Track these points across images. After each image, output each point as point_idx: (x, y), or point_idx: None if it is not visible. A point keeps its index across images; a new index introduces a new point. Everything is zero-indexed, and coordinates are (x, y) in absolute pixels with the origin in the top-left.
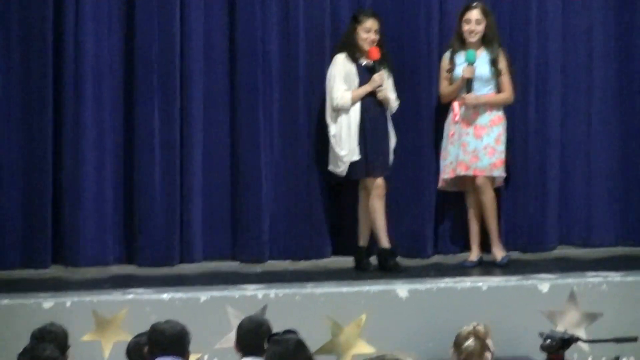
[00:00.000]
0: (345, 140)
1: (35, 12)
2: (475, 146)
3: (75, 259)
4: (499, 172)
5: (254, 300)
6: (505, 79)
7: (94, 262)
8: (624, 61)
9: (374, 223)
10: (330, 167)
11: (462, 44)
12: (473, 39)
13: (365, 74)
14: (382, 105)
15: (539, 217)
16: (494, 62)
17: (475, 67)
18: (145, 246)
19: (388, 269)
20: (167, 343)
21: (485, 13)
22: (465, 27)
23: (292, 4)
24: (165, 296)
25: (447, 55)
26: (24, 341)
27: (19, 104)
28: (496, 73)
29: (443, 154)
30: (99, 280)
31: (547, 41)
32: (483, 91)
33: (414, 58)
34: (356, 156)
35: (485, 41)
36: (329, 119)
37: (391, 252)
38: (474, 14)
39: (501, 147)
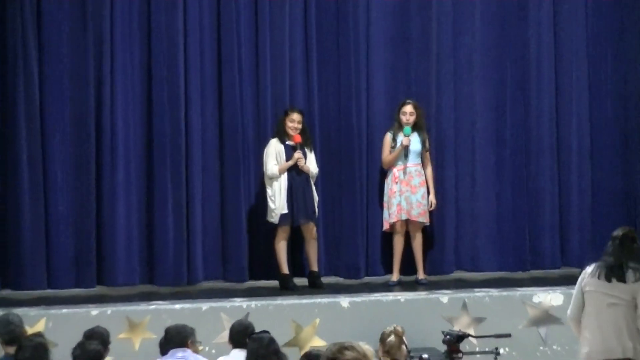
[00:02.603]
0: (277, 199)
1: (82, 105)
2: (411, 200)
3: (112, 281)
4: (423, 220)
5: (240, 309)
6: (427, 155)
7: (125, 283)
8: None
9: (308, 253)
10: (268, 217)
11: (400, 127)
12: (409, 124)
13: (290, 152)
14: (305, 173)
15: (440, 250)
16: (423, 142)
17: (410, 139)
18: (162, 271)
19: (315, 286)
20: (175, 338)
21: (415, 107)
22: (402, 117)
23: (262, 99)
24: (177, 306)
25: (389, 135)
26: (77, 339)
27: (72, 169)
28: (423, 149)
29: (387, 205)
30: (130, 295)
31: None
32: (415, 161)
33: (348, 138)
34: (285, 210)
35: (417, 127)
36: (266, 185)
37: (317, 275)
38: (408, 109)
39: (424, 202)
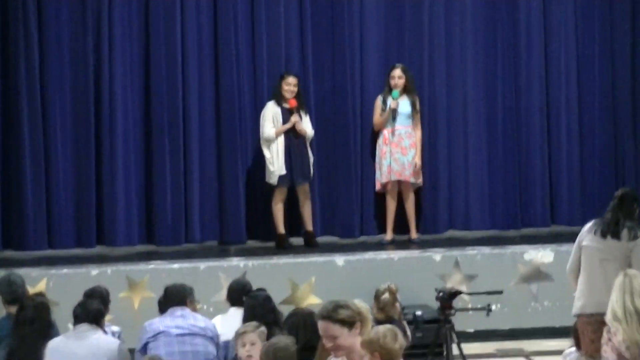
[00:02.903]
0: (275, 161)
1: (81, 69)
2: (402, 161)
3: (112, 240)
4: (414, 180)
5: (237, 268)
6: (417, 117)
7: (125, 243)
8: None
9: (303, 213)
10: (266, 179)
11: (390, 90)
12: (398, 88)
13: (287, 115)
14: (301, 136)
15: (433, 210)
16: (413, 104)
17: (399, 102)
18: (161, 231)
19: (310, 245)
20: (174, 297)
21: (404, 71)
22: (391, 81)
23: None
24: (176, 266)
25: (380, 98)
26: (78, 298)
27: (72, 134)
28: (413, 112)
29: (378, 166)
30: (129, 255)
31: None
32: (405, 123)
33: (344, 102)
34: (283, 171)
35: (407, 90)
36: (263, 147)
37: (312, 234)
38: (397, 72)
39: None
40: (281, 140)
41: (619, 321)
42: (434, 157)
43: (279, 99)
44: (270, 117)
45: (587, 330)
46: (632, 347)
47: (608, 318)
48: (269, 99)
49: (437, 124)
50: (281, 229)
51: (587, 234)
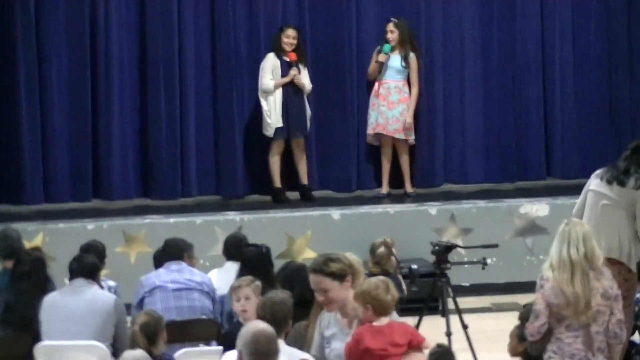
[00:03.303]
0: (272, 113)
1: (77, 27)
2: (387, 115)
3: (108, 194)
4: (400, 136)
5: (234, 223)
6: (413, 73)
7: (121, 196)
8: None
9: (298, 167)
10: (263, 131)
11: (386, 43)
12: (391, 42)
13: (286, 67)
14: (299, 89)
15: (429, 163)
16: (405, 59)
17: (389, 56)
18: (157, 185)
19: (306, 199)
20: (172, 250)
21: (396, 26)
22: (386, 35)
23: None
24: (172, 220)
25: (377, 49)
26: (74, 252)
27: (68, 88)
28: (406, 66)
29: (368, 117)
30: (125, 209)
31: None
32: (396, 77)
33: (341, 55)
34: (280, 124)
35: (400, 44)
36: (261, 99)
37: (308, 188)
38: (389, 26)
39: (403, 119)
40: (279, 92)
41: (552, 269)
42: (431, 111)
43: (279, 52)
44: (270, 69)
45: None
46: (559, 296)
47: (545, 266)
48: (269, 51)
49: (434, 78)
50: (278, 182)
51: (594, 179)
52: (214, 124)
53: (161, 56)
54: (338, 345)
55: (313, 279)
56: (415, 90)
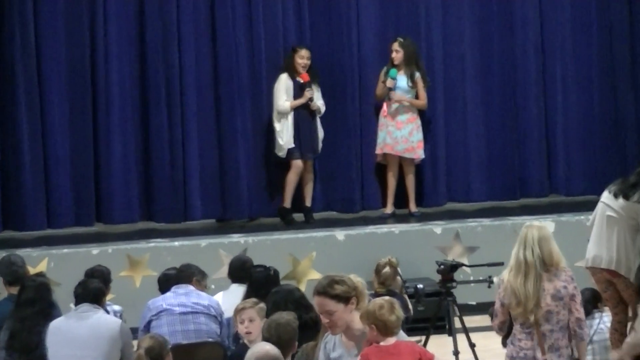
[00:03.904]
0: (285, 134)
1: (77, 49)
2: (395, 135)
3: (112, 218)
4: (410, 155)
5: (238, 245)
6: (421, 92)
7: (124, 220)
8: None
9: (304, 188)
10: (276, 152)
11: (392, 64)
12: (396, 61)
13: (299, 88)
14: (311, 110)
15: (432, 182)
16: (411, 78)
17: (396, 80)
18: (161, 208)
19: (306, 221)
20: (182, 275)
21: (401, 45)
22: (392, 54)
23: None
24: (177, 243)
25: (383, 70)
26: (79, 277)
27: (69, 112)
28: (412, 86)
29: (377, 138)
30: (129, 233)
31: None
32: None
33: (343, 76)
34: (292, 144)
35: (406, 63)
36: (274, 120)
37: (310, 210)
38: (394, 46)
39: (412, 138)
40: (290, 114)
41: (510, 270)
42: (432, 130)
43: (292, 72)
44: (284, 90)
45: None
46: (511, 296)
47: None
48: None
49: (435, 96)
50: (288, 203)
51: (605, 191)
52: (217, 145)
53: (161, 77)
54: None
55: (317, 301)
56: (422, 103)
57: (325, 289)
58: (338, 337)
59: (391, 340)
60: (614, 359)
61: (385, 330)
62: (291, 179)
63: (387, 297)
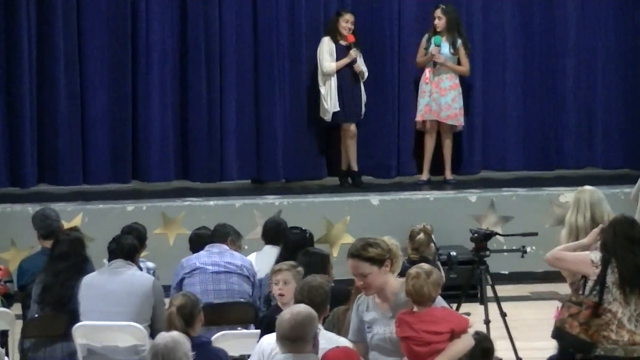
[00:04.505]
0: (329, 98)
1: (118, 6)
2: (440, 102)
3: (147, 176)
4: (452, 122)
5: (273, 206)
6: (463, 59)
7: (161, 178)
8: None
9: (346, 154)
10: (321, 115)
11: (434, 31)
12: (438, 28)
13: (342, 51)
14: (355, 74)
15: (468, 150)
16: (453, 45)
17: (440, 47)
18: (197, 167)
19: (355, 185)
20: (217, 234)
21: (444, 12)
22: (434, 21)
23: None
24: (211, 203)
25: (425, 37)
26: (113, 233)
27: (108, 70)
28: (454, 53)
29: (418, 103)
30: (165, 191)
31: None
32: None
33: (382, 41)
34: (337, 108)
35: (448, 30)
36: (319, 83)
37: (358, 174)
38: (437, 13)
39: (455, 105)
40: (334, 77)
41: (564, 235)
42: (470, 98)
43: (335, 36)
44: (328, 52)
45: None
46: None
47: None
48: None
49: (474, 64)
50: (354, 165)
51: None
52: (254, 106)
53: (201, 37)
54: (381, 330)
55: (351, 263)
56: (465, 69)
57: (359, 252)
58: (371, 299)
59: (425, 307)
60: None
61: (420, 299)
62: (348, 144)
63: (425, 265)
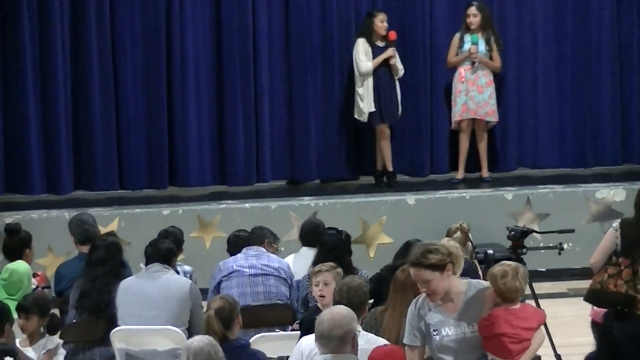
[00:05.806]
0: (366, 98)
1: (152, 11)
2: (478, 99)
3: (184, 181)
4: (491, 119)
5: (308, 208)
6: (495, 55)
7: (197, 183)
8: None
9: (382, 155)
10: (356, 116)
11: (467, 29)
12: (473, 26)
13: (378, 52)
14: (391, 73)
15: (503, 147)
16: (487, 42)
17: (477, 45)
18: (233, 171)
19: (390, 185)
20: (254, 236)
21: (479, 9)
22: (467, 19)
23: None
24: (247, 205)
25: (457, 36)
26: (150, 238)
27: (144, 75)
28: (489, 49)
29: (453, 104)
30: (201, 195)
31: None
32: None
33: (414, 41)
34: (372, 108)
35: (482, 28)
36: (356, 83)
37: (393, 174)
38: (472, 10)
39: (491, 102)
40: (370, 77)
41: None
42: (504, 95)
43: (370, 37)
44: (364, 53)
45: None
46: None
47: None
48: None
49: (507, 61)
50: (389, 166)
51: None
52: (288, 108)
53: (235, 41)
54: (451, 331)
55: (413, 272)
56: (497, 65)
57: (420, 260)
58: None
59: (516, 304)
60: None
61: (513, 295)
62: (383, 144)
63: (513, 264)
